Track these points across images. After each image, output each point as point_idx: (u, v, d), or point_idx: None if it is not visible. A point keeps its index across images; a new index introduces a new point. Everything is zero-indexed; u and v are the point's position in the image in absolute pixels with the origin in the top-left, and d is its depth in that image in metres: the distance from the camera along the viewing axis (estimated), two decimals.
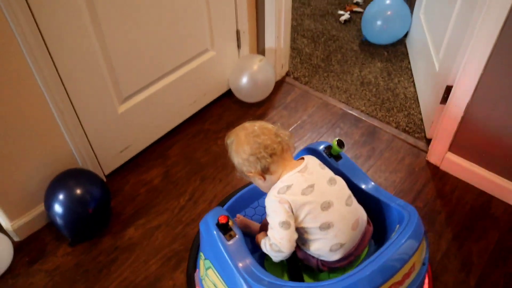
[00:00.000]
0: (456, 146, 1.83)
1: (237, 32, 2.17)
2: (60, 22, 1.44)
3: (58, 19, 1.43)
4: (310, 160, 1.25)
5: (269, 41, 2.27)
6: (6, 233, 1.67)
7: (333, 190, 1.21)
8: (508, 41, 1.46)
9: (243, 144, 1.22)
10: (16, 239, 1.69)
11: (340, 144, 1.39)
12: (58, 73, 1.51)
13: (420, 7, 2.43)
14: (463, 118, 1.73)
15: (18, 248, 1.67)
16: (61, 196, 1.56)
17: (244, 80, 2.12)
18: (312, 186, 1.18)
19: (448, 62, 1.82)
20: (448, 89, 1.75)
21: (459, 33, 1.70)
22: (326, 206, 1.17)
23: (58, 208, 1.55)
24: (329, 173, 1.25)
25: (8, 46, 1.34)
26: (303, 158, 1.25)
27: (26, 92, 1.46)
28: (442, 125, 1.81)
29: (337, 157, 1.44)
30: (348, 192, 1.25)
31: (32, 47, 1.38)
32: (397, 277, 1.11)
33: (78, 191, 1.59)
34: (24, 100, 1.47)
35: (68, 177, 1.62)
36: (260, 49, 2.36)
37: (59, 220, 1.57)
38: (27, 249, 1.67)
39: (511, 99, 1.57)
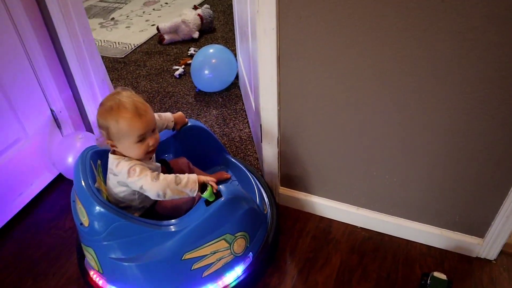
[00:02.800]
0: (285, 180, 1.85)
1: (52, 112, 2.06)
2: None
3: None
4: None
5: (91, 115, 2.18)
6: None
7: None
8: (288, 71, 1.50)
9: None
10: None
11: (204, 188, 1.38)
12: None
13: (238, 49, 2.49)
14: (279, 153, 1.75)
15: None
16: None
17: (70, 160, 2.00)
18: None
19: (257, 101, 1.84)
20: (261, 127, 1.77)
21: (255, 71, 1.74)
22: None
23: None
24: None
25: None
26: None
27: None
28: (266, 162, 1.82)
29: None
30: None
31: None
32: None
33: None
34: None
35: None
36: (87, 124, 2.25)
37: None
38: None
39: (307, 126, 1.61)
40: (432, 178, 1.53)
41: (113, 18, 4.05)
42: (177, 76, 2.91)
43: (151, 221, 1.36)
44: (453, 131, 1.38)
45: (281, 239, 1.77)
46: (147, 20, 3.92)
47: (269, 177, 1.86)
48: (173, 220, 1.37)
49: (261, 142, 1.79)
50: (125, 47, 3.43)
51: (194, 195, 1.36)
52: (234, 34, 3.34)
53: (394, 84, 1.36)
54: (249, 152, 2.19)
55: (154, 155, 1.49)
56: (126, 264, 1.36)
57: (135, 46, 3.43)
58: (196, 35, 3.41)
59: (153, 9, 4.17)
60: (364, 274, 1.63)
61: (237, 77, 2.72)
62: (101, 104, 1.34)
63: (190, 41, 3.42)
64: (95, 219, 1.33)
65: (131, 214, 1.41)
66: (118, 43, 3.52)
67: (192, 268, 1.39)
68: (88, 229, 1.37)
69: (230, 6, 3.87)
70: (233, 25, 3.49)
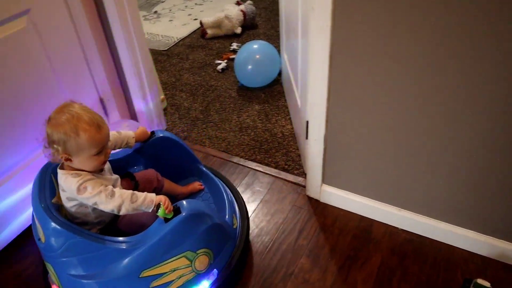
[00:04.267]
0: (328, 178, 1.86)
1: (101, 101, 2.12)
2: None
3: None
4: None
5: (137, 104, 2.23)
6: None
7: None
8: (339, 70, 1.51)
9: None
10: None
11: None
12: None
13: (283, 46, 2.51)
14: (325, 149, 1.76)
15: None
16: None
17: None
18: None
19: (304, 98, 1.86)
20: (307, 124, 1.79)
21: (305, 68, 1.75)
22: None
23: None
24: None
25: None
26: None
27: None
28: (310, 159, 1.83)
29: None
30: None
31: None
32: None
33: None
34: None
35: None
36: (132, 112, 2.31)
37: None
38: None
39: (356, 124, 1.61)
40: (479, 184, 1.52)
41: (156, 11, 4.12)
42: (220, 70, 2.95)
43: (107, 238, 1.33)
44: (503, 140, 1.36)
45: (322, 237, 1.79)
46: (189, 14, 3.97)
47: (311, 174, 1.88)
48: (128, 237, 1.34)
49: (307, 138, 1.80)
50: (168, 40, 3.49)
51: (149, 211, 1.33)
52: (277, 31, 3.38)
53: (448, 91, 1.35)
54: (291, 149, 2.21)
55: (108, 166, 1.47)
56: (84, 281, 1.33)
57: (178, 39, 3.49)
58: (238, 30, 3.44)
59: (195, 4, 4.22)
60: (404, 276, 1.63)
61: (279, 73, 2.74)
62: (53, 118, 1.29)
63: (233, 36, 3.45)
64: (51, 235, 1.32)
65: (89, 229, 1.40)
66: (161, 35, 3.59)
67: (151, 286, 1.35)
68: (45, 245, 1.36)
69: (273, 3, 3.89)
70: (276, 22, 3.52)
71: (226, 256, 1.54)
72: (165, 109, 2.57)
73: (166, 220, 1.33)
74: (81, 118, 1.27)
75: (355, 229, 1.81)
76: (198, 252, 1.40)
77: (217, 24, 3.44)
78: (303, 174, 2.06)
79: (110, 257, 1.31)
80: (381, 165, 1.67)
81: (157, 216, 1.34)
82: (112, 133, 1.54)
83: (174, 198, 1.71)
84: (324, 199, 1.92)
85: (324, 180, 1.87)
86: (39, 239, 1.38)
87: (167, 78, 2.94)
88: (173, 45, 3.40)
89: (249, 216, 1.78)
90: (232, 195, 1.77)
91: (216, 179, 1.77)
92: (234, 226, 1.62)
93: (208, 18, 3.46)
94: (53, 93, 1.87)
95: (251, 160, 2.17)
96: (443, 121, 1.43)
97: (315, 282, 1.63)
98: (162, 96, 2.54)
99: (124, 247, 1.31)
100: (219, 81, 2.85)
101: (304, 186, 2.00)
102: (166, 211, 1.31)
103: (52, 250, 1.33)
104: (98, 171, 1.38)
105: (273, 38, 3.31)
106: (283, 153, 2.19)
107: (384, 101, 1.49)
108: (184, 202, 1.38)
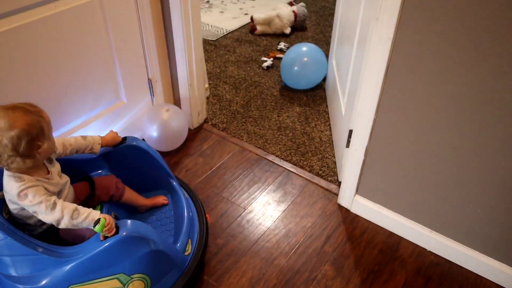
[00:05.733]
0: (363, 189, 1.85)
1: (149, 81, 2.16)
2: None
3: None
4: None
5: (183, 90, 2.26)
6: None
7: None
8: (394, 82, 1.50)
9: None
10: None
11: None
12: None
13: (332, 52, 2.50)
14: (364, 161, 1.75)
15: None
16: None
17: (154, 129, 2.09)
18: None
19: (350, 106, 1.85)
20: (351, 133, 1.78)
21: (356, 77, 1.75)
22: None
23: None
24: None
25: None
26: None
27: None
28: (348, 169, 1.83)
29: None
30: None
31: None
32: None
33: None
34: None
35: None
36: (176, 98, 2.35)
37: None
38: None
39: (401, 140, 1.60)
40: None
41: (208, 1, 4.16)
42: (265, 68, 2.96)
43: (41, 244, 1.28)
44: None
45: (348, 247, 1.78)
46: (240, 9, 4.00)
47: (346, 183, 1.87)
48: (62, 248, 1.30)
49: (347, 147, 1.80)
50: (217, 31, 3.52)
51: (91, 228, 1.27)
52: (325, 36, 3.37)
53: (504, 124, 1.33)
54: (327, 155, 2.20)
55: (58, 168, 1.42)
56: (13, 283, 1.30)
57: (226, 32, 3.51)
58: (288, 30, 3.44)
59: None
60: None
61: (324, 79, 2.73)
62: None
63: (281, 36, 3.46)
64: None
65: (33, 230, 1.37)
66: (211, 26, 3.62)
67: None
68: None
69: (324, 8, 3.88)
70: (325, 27, 3.52)
71: (168, 285, 1.45)
72: (207, 98, 2.59)
73: (104, 237, 1.27)
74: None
75: (383, 244, 1.80)
76: (132, 276, 1.34)
77: (268, 22, 3.46)
78: (337, 182, 2.05)
79: (41, 264, 1.27)
80: (420, 186, 1.65)
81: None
82: (75, 138, 1.52)
83: (135, 209, 1.71)
84: (355, 209, 1.91)
85: (358, 191, 1.86)
86: None
87: (212, 68, 2.97)
88: (222, 37, 3.43)
89: (207, 243, 1.68)
90: (197, 216, 1.69)
91: (183, 197, 1.69)
92: (186, 253, 1.54)
93: (260, 14, 3.48)
94: (107, 69, 1.91)
95: (287, 161, 2.17)
96: (495, 154, 1.41)
97: None
98: (206, 85, 2.56)
99: (55, 257, 1.27)
100: (263, 78, 2.86)
101: (336, 194, 2.00)
102: (108, 234, 1.26)
103: None
104: (43, 169, 1.35)
105: (321, 42, 3.31)
106: (319, 158, 2.19)
107: (436, 121, 1.47)
108: (128, 222, 1.31)
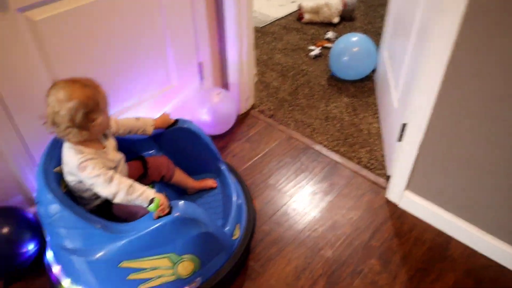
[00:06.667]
0: (413, 185, 1.80)
1: (200, 64, 2.16)
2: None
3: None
4: None
5: (233, 75, 2.25)
6: None
7: None
8: (456, 77, 1.44)
9: None
10: None
11: None
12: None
13: (384, 43, 2.44)
14: (417, 156, 1.70)
15: None
16: None
17: (204, 112, 2.09)
18: None
19: (404, 99, 1.80)
20: (404, 127, 1.73)
21: (413, 70, 1.70)
22: None
23: None
24: None
25: None
26: None
27: None
28: (399, 163, 1.78)
29: None
30: None
31: None
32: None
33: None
34: None
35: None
36: (224, 82, 2.34)
37: None
38: None
39: (459, 137, 1.54)
40: None
41: None
42: (313, 57, 2.92)
43: (96, 219, 1.31)
44: None
45: (395, 242, 1.75)
46: None
47: (396, 178, 1.83)
48: (115, 224, 1.32)
49: (399, 141, 1.75)
50: (265, 18, 3.49)
51: (144, 206, 1.29)
52: (374, 27, 3.30)
53: None
54: (375, 148, 2.16)
55: (114, 144, 1.45)
56: (69, 254, 1.33)
57: (274, 19, 3.48)
58: (336, 20, 3.38)
59: None
60: None
61: (373, 70, 2.67)
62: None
63: (328, 25, 3.40)
64: (46, 203, 1.32)
65: (87, 204, 1.40)
66: (258, 12, 3.59)
67: (127, 278, 1.32)
68: (41, 209, 1.36)
69: None
70: (374, 18, 3.44)
71: (215, 267, 1.47)
72: (254, 85, 2.58)
73: (158, 217, 1.28)
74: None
75: (431, 242, 1.75)
76: (183, 256, 1.35)
77: (316, 10, 3.40)
78: (385, 176, 2.01)
79: (95, 238, 1.29)
80: (477, 185, 1.59)
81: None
82: (128, 119, 1.54)
83: (183, 190, 1.71)
84: (404, 205, 1.87)
85: (409, 187, 1.82)
86: (38, 202, 1.38)
87: (259, 55, 2.95)
88: (269, 24, 3.40)
89: (254, 229, 1.67)
90: (245, 202, 1.68)
91: (231, 182, 1.69)
92: (234, 237, 1.54)
93: (308, 2, 3.43)
94: (159, 51, 1.92)
95: (334, 151, 2.14)
96: None
97: (383, 286, 1.59)
98: (254, 72, 2.55)
99: (109, 233, 1.28)
100: (311, 67, 2.82)
101: (384, 188, 1.96)
102: (161, 213, 1.28)
103: (47, 216, 1.34)
104: (99, 143, 1.38)
105: (369, 33, 3.23)
106: (367, 150, 2.15)
107: (499, 120, 1.41)
108: (181, 203, 1.33)
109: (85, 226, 1.29)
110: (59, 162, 1.39)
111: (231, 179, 1.71)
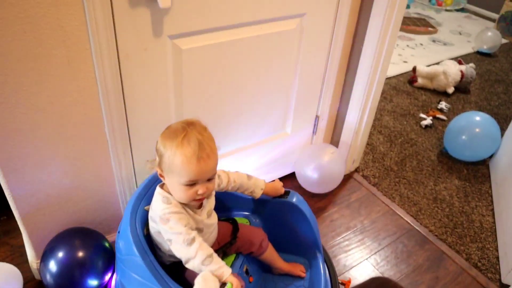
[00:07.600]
0: None
1: (317, 117, 2.07)
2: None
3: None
4: None
5: (346, 134, 2.14)
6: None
7: None
8: None
9: None
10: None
11: None
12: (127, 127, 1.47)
13: None
14: None
15: None
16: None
17: (312, 168, 1.99)
18: None
19: None
20: None
21: None
22: None
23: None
24: None
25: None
26: None
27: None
28: None
29: None
30: None
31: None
32: None
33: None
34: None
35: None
36: (334, 140, 2.24)
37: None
38: None
39: None
40: None
41: None
42: (423, 126, 2.76)
43: (164, 277, 1.18)
44: None
45: None
46: (399, 55, 3.82)
47: None
48: None
49: None
50: None
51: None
52: (490, 104, 3.12)
53: None
54: (488, 246, 1.95)
55: (210, 207, 1.32)
56: None
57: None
58: (450, 90, 3.20)
59: (407, 46, 4.06)
60: None
61: (490, 156, 2.47)
62: (168, 127, 1.20)
63: (441, 94, 3.23)
64: (123, 238, 1.26)
65: (160, 257, 1.30)
66: None
67: None
68: (118, 241, 1.31)
69: (489, 72, 3.66)
70: (490, 95, 3.24)
71: None
72: None
73: None
74: (187, 138, 1.13)
75: None
76: None
77: (431, 76, 3.25)
78: (498, 282, 1.80)
79: None
80: None
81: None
82: (241, 175, 1.41)
83: (267, 266, 1.54)
84: None
85: None
86: (118, 232, 1.32)
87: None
88: None
89: None
90: None
91: (323, 278, 1.49)
92: None
93: (423, 66, 3.28)
94: (284, 97, 1.86)
95: (441, 240, 1.96)
96: None
97: None
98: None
99: None
100: (420, 137, 2.66)
101: None
102: None
103: (119, 251, 1.30)
104: (195, 206, 1.25)
105: (485, 110, 3.03)
106: (478, 247, 1.94)
107: None
108: None
109: (151, 281, 1.18)
110: (149, 201, 1.31)
111: (323, 276, 1.50)
